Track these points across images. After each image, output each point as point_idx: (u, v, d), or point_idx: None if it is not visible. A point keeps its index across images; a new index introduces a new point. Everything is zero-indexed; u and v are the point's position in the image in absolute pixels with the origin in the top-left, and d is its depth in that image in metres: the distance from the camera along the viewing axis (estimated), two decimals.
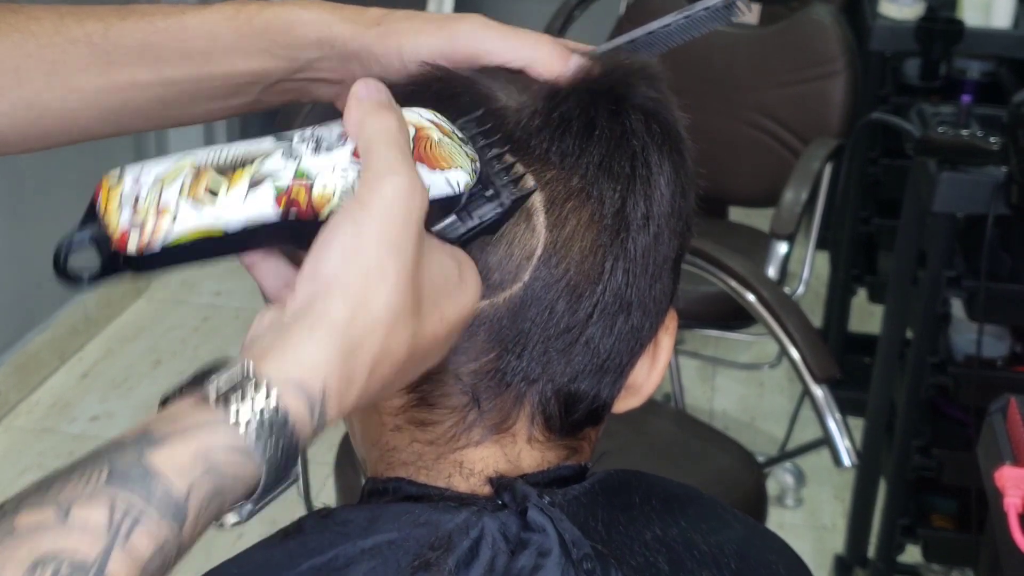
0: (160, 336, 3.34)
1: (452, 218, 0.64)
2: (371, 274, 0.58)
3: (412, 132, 0.63)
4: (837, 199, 2.84)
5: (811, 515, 2.75)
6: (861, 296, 3.01)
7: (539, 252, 0.67)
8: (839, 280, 2.98)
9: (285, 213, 0.60)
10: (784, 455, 2.75)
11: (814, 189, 2.52)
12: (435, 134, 0.64)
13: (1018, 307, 1.96)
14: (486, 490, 0.71)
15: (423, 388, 0.69)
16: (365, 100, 0.63)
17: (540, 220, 0.67)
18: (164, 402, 0.57)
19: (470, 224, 0.64)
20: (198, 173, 0.59)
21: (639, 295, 0.70)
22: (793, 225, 2.41)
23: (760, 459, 2.31)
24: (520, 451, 0.71)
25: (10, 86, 0.77)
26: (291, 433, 0.55)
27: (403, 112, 0.63)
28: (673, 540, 0.73)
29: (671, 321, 0.75)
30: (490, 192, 0.65)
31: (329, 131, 0.62)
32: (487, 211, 0.64)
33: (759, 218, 3.09)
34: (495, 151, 0.66)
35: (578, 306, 0.68)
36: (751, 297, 1.94)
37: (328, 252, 0.58)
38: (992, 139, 1.86)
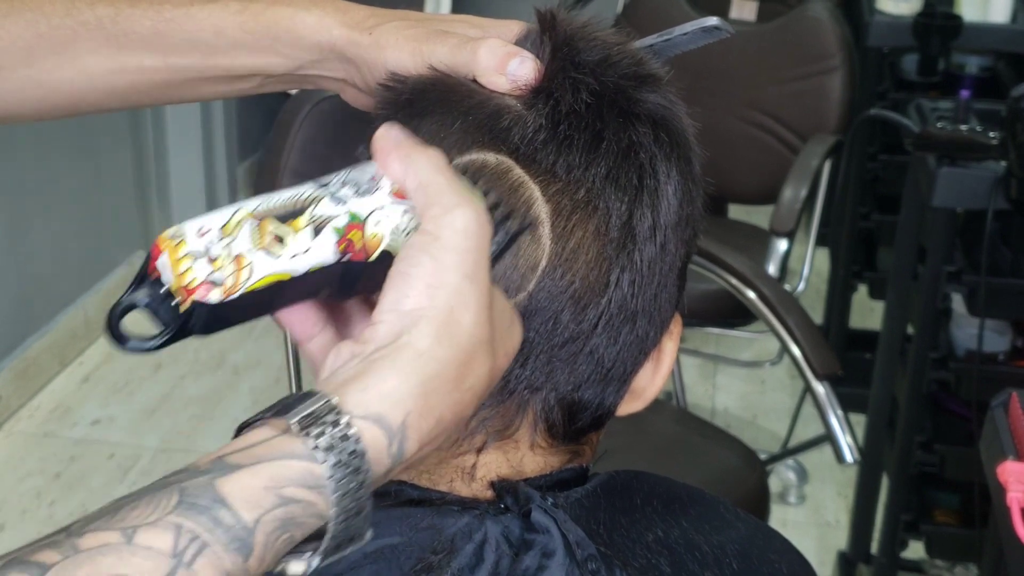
0: None
1: None
2: (455, 304, 0.57)
3: None
4: (836, 195, 2.84)
5: (814, 512, 2.74)
6: (861, 292, 3.00)
7: (543, 264, 0.67)
8: (839, 276, 2.98)
9: (341, 255, 0.60)
10: (786, 452, 2.75)
11: (813, 186, 2.52)
12: None
13: (1019, 301, 1.96)
14: (488, 494, 0.71)
15: None
16: (401, 142, 0.62)
17: (545, 232, 0.67)
18: (240, 429, 0.56)
19: None
20: (260, 222, 0.59)
21: (644, 305, 0.70)
22: (793, 222, 2.41)
23: (762, 456, 2.31)
24: (523, 456, 0.71)
25: (21, 64, 0.79)
26: (367, 468, 0.54)
27: None
28: (675, 542, 0.73)
29: (675, 326, 0.75)
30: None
31: (360, 174, 0.62)
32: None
33: (759, 215, 3.09)
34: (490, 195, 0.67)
35: (583, 317, 0.68)
36: (752, 294, 1.93)
37: (409, 287, 0.58)
38: (991, 134, 1.86)
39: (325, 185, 0.62)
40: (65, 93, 0.81)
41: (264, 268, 0.59)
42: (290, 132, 1.71)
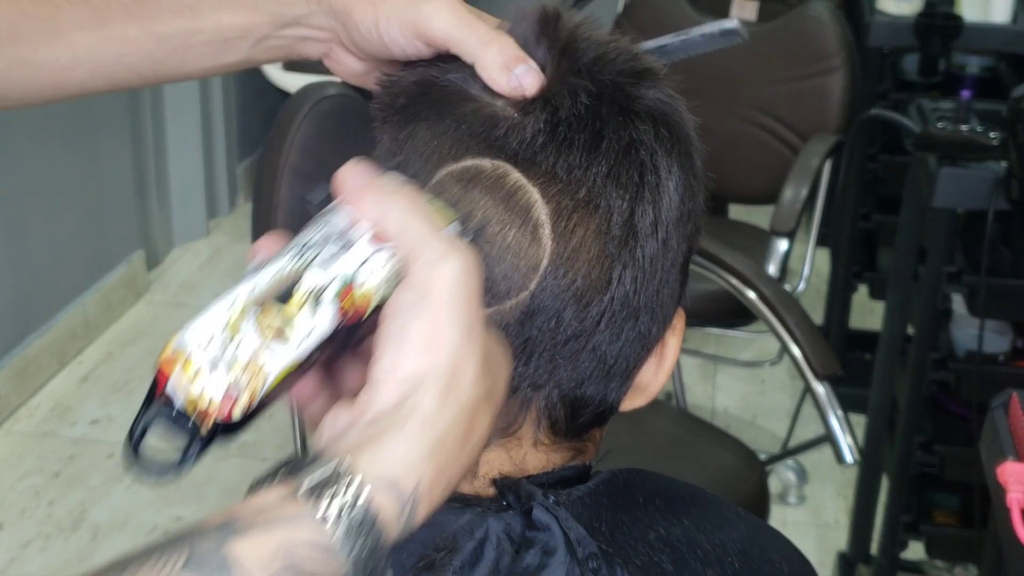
0: (160, 339, 3.33)
1: None
2: (456, 363, 0.57)
3: None
4: (837, 196, 2.84)
5: (814, 512, 2.74)
6: (862, 292, 3.00)
7: (545, 263, 0.67)
8: (840, 277, 2.98)
9: (339, 322, 0.59)
10: (786, 452, 2.75)
11: (814, 186, 2.52)
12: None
13: (1019, 302, 1.96)
14: (490, 492, 0.70)
15: None
16: (373, 182, 0.61)
17: (546, 232, 0.67)
18: (251, 489, 0.56)
19: None
20: (261, 311, 0.58)
21: (647, 301, 0.70)
22: (793, 222, 2.41)
23: (762, 457, 2.31)
24: (525, 454, 0.71)
25: (5, 43, 0.78)
26: (378, 534, 0.54)
27: None
28: (676, 540, 0.73)
29: (678, 321, 0.75)
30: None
31: (337, 222, 0.60)
32: None
33: (759, 215, 3.08)
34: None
35: (585, 314, 0.68)
36: (752, 294, 1.93)
37: (406, 348, 0.57)
38: (992, 134, 1.86)
39: (307, 246, 0.59)
40: (51, 71, 0.79)
41: (278, 365, 0.58)
42: (289, 131, 1.71)
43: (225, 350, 0.57)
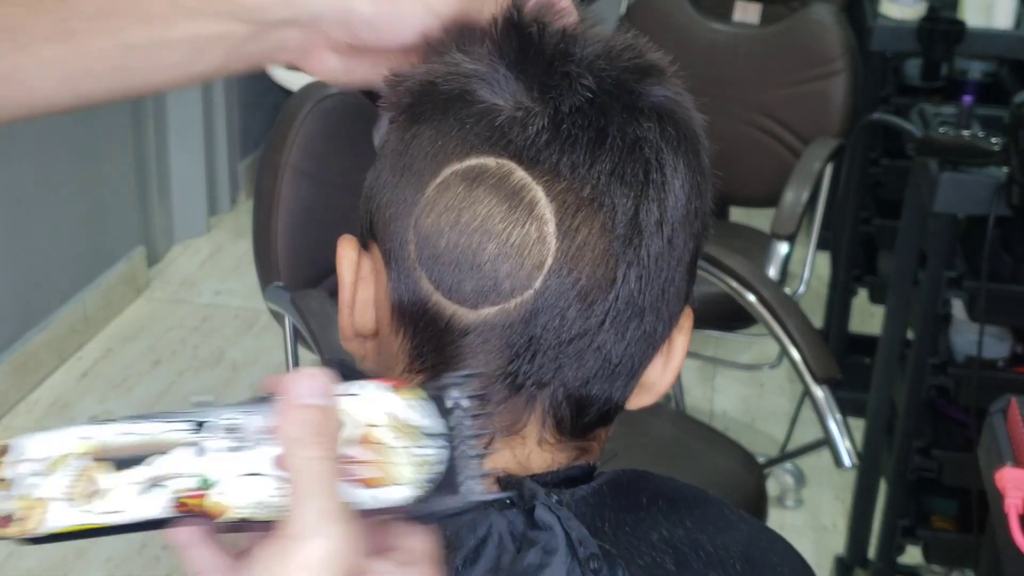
0: (160, 336, 3.34)
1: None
2: None
3: (358, 432, 0.57)
4: (838, 199, 2.84)
5: (811, 516, 2.74)
6: (862, 296, 3.00)
7: (550, 262, 0.67)
8: (840, 280, 2.98)
9: (170, 515, 0.55)
10: (784, 456, 2.75)
11: (815, 189, 2.52)
12: (387, 435, 0.57)
13: (1019, 308, 1.96)
14: (494, 489, 0.70)
15: None
16: (305, 408, 0.55)
17: (550, 230, 0.67)
18: None
19: (426, 519, 0.60)
20: (92, 465, 0.54)
21: (652, 300, 0.70)
22: (794, 225, 2.41)
23: (760, 460, 2.31)
24: (530, 453, 0.71)
25: None
26: None
27: (357, 405, 0.57)
28: (679, 541, 0.73)
29: (686, 320, 0.75)
30: (454, 484, 0.58)
31: (249, 419, 0.56)
32: (445, 504, 0.58)
33: (760, 218, 3.08)
34: (473, 434, 0.59)
35: (590, 313, 0.68)
36: (752, 297, 1.93)
37: None
38: (993, 140, 1.86)
39: (202, 425, 0.55)
40: (16, 84, 0.75)
41: (65, 519, 0.54)
42: (291, 129, 1.71)
43: (29, 478, 0.55)
